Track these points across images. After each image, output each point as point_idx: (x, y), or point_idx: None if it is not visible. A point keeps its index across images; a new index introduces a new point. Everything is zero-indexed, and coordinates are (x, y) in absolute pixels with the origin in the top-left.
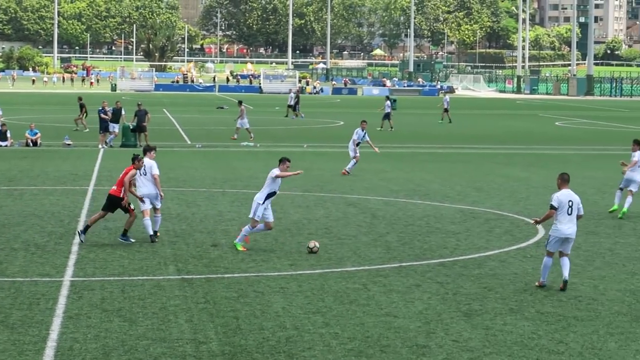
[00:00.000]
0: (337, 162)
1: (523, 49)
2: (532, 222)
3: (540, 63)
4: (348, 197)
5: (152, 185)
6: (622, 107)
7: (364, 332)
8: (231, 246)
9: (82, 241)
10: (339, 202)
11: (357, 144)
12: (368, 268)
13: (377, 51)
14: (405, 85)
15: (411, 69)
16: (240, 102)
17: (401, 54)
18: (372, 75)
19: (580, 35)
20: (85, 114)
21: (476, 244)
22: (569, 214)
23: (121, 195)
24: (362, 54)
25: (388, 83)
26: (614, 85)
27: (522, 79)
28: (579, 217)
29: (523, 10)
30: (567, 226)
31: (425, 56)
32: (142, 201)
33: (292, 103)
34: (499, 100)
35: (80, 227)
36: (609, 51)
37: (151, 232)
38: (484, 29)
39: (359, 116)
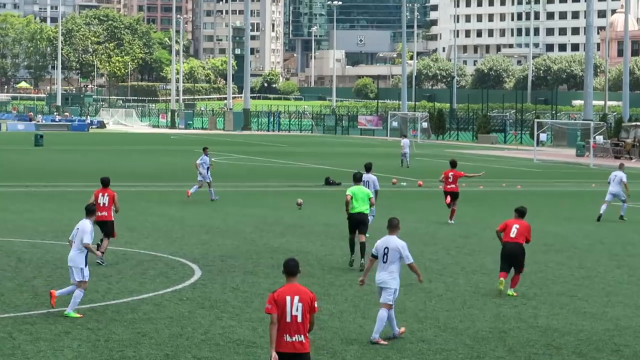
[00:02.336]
0: None
1: (177, 81)
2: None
3: (196, 96)
4: None
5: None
6: (279, 142)
7: None
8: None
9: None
10: None
11: (207, 169)
12: (14, 315)
13: (23, 84)
14: (57, 120)
15: (59, 102)
16: None
17: (48, 87)
18: (18, 109)
19: (236, 67)
20: None
21: (129, 287)
22: (384, 262)
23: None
24: (6, 86)
25: (39, 117)
26: (272, 119)
27: (176, 113)
28: (410, 266)
29: (177, 42)
30: (379, 275)
31: (74, 89)
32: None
33: None
34: (152, 136)
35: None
36: (266, 84)
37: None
38: (135, 61)
39: (5, 153)
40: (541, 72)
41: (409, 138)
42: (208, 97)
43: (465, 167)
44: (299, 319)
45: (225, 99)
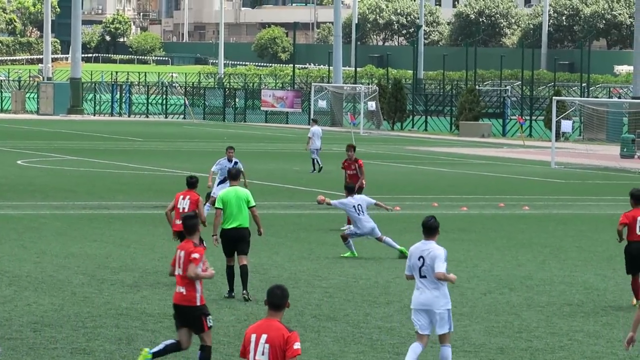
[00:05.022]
0: None
1: None
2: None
3: None
4: None
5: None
6: (130, 134)
7: None
8: None
9: None
10: None
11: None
12: None
13: None
14: None
15: None
16: None
17: None
18: None
19: (59, 9)
20: None
21: None
22: None
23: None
24: None
25: None
26: (118, 96)
27: None
28: None
29: None
30: None
31: None
32: None
33: None
34: None
35: None
36: (108, 38)
37: None
38: None
39: None
40: (564, 19)
41: (319, 125)
42: (11, 58)
43: (440, 180)
44: None
45: (41, 62)
